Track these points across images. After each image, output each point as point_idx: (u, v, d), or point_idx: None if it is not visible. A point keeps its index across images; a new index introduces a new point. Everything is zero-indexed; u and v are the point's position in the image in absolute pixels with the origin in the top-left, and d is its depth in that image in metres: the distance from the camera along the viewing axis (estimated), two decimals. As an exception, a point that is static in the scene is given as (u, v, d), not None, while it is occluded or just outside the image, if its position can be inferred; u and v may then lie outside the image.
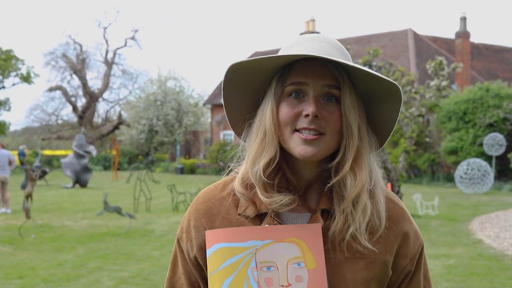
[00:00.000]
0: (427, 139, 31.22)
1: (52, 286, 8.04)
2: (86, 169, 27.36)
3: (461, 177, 24.49)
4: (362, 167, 1.54)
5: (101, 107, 72.16)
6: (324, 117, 1.52)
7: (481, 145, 27.63)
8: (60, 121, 59.35)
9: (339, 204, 1.54)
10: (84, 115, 54.66)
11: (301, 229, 1.47)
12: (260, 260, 1.44)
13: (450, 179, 29.08)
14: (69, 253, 10.57)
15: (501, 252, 11.01)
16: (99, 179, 32.51)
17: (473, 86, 30.08)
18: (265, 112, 1.58)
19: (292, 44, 1.62)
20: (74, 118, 57.67)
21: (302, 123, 1.52)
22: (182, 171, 40.93)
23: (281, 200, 1.54)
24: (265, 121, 1.57)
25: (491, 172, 24.40)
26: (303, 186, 1.61)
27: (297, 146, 1.52)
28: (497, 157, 27.52)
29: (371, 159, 1.60)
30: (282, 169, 1.60)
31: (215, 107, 47.70)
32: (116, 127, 53.44)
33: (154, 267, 9.34)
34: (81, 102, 57.84)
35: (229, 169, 1.78)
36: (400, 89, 1.51)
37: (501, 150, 26.57)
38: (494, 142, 26.58)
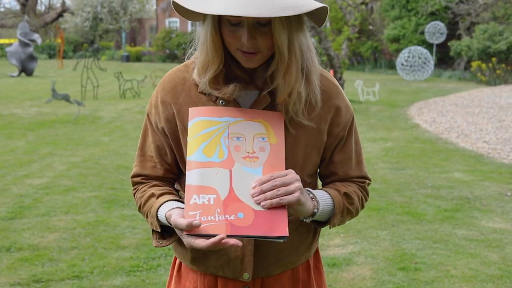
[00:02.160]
0: (370, 27, 31.52)
1: (5, 171, 8.32)
2: (32, 58, 27.01)
3: (402, 64, 25.07)
4: (292, 75, 1.78)
5: (44, -6, 69.92)
6: (259, 39, 1.73)
7: (422, 33, 28.10)
8: (2, 9, 57.58)
9: (277, 96, 1.83)
10: (27, 2, 53.01)
11: (268, 114, 1.81)
12: (232, 132, 1.76)
13: (392, 66, 29.68)
14: (20, 139, 10.84)
15: (436, 136, 11.67)
16: (45, 68, 32.12)
17: (416, -26, 30.24)
18: (207, 33, 1.78)
19: None
20: (16, 6, 55.93)
21: (242, 46, 1.74)
22: (128, 58, 40.63)
23: (227, 92, 1.82)
24: (207, 42, 1.78)
25: (432, 60, 25.02)
26: (250, 71, 1.87)
27: (240, 59, 1.79)
28: (437, 45, 28.06)
29: (306, 42, 1.82)
30: (228, 65, 1.85)
31: (160, -7, 46.93)
32: (60, 15, 52.12)
33: (104, 152, 9.71)
34: (23, -11, 56.01)
35: (187, 55, 2.03)
36: (328, 9, 1.73)
37: (442, 38, 27.09)
38: (435, 30, 27.05)
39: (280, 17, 1.70)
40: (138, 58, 41.79)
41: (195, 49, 1.95)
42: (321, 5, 1.68)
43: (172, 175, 2.02)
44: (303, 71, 1.84)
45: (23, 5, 52.30)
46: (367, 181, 2.06)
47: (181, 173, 2.01)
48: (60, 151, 9.76)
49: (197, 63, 1.87)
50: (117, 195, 7.12)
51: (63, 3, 52.20)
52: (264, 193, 1.70)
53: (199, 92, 1.89)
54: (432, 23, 27.29)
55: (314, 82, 1.87)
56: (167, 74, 2.02)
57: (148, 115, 2.01)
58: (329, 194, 1.90)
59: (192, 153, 1.75)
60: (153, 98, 1.99)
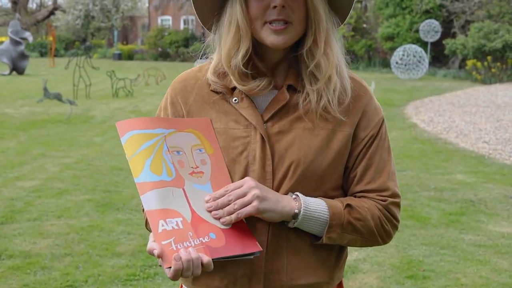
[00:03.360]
0: (364, 25, 31.40)
1: (-3, 172, 8.13)
2: (23, 56, 26.77)
3: (396, 62, 24.89)
4: (333, 49, 1.68)
5: (35, -8, 69.63)
6: (291, 6, 1.60)
7: (417, 31, 27.96)
8: (-8, 7, 57.29)
9: (312, 84, 1.68)
10: (18, 0, 52.78)
11: (195, 122, 1.69)
12: (170, 145, 1.62)
13: (386, 64, 29.51)
14: (11, 140, 10.62)
15: (435, 136, 11.49)
16: (36, 66, 31.90)
17: (411, -28, 30.12)
18: (235, 8, 1.65)
19: None
20: (7, 4, 55.64)
21: (271, 15, 1.60)
22: (120, 57, 40.48)
23: (258, 86, 1.67)
24: (237, 17, 1.64)
25: (426, 58, 24.84)
26: (270, 68, 1.73)
27: (269, 36, 1.63)
28: (432, 44, 27.93)
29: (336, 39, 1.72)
30: (252, 58, 1.70)
31: (153, -9, 46.76)
32: (52, 13, 51.93)
33: (97, 153, 9.50)
34: (14, -14, 55.76)
35: (202, 55, 1.87)
36: None
37: (437, 37, 26.97)
38: (430, 29, 26.92)
39: None
40: (130, 56, 41.63)
41: (206, 57, 1.83)
42: None
43: None
44: (338, 58, 1.73)
45: (15, 3, 52.03)
46: (389, 199, 1.73)
47: None
48: (53, 152, 9.55)
49: (221, 51, 1.71)
50: (111, 198, 6.92)
51: (55, 1, 52.04)
52: (220, 208, 1.56)
53: (211, 90, 1.75)
54: (427, 21, 27.15)
55: (345, 74, 1.74)
56: (180, 74, 1.88)
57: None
58: (325, 202, 1.65)
59: (139, 173, 1.57)
60: (163, 101, 1.84)
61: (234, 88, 1.72)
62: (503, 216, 6.39)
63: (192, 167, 1.61)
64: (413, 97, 18.16)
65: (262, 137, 1.65)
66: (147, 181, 1.55)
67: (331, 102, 1.67)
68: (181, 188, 1.57)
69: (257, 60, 1.71)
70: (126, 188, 7.36)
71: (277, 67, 1.74)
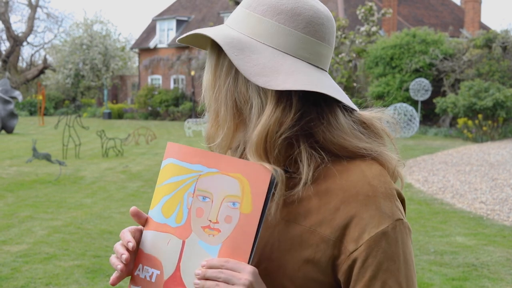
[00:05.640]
0: (355, 84, 31.56)
1: (-17, 236, 7.88)
2: (12, 115, 26.67)
3: (387, 121, 24.90)
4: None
5: (26, 51, 70.47)
6: None
7: (407, 90, 28.09)
8: (-18, 66, 57.57)
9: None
10: (8, 59, 53.02)
11: (251, 167, 1.31)
12: (200, 188, 1.35)
13: (376, 123, 29.58)
14: (-1, 201, 10.39)
15: (430, 196, 11.33)
16: (26, 125, 31.78)
17: (400, 32, 30.42)
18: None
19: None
20: (-3, 62, 56.02)
21: None
22: (109, 116, 40.49)
23: None
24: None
25: (417, 117, 24.91)
26: None
27: None
28: (422, 102, 28.05)
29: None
30: None
31: (143, 51, 47.12)
32: (42, 72, 52.21)
33: (86, 215, 9.26)
34: (4, 46, 56.30)
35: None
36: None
37: (427, 95, 27.08)
38: (420, 87, 27.05)
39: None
40: (120, 115, 41.66)
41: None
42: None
43: None
44: None
45: (4, 62, 52.27)
46: None
47: None
48: (41, 214, 9.30)
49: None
50: (101, 264, 6.66)
51: (45, 60, 52.26)
52: (205, 280, 1.27)
53: None
54: (417, 80, 27.29)
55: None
56: None
57: None
58: None
59: (153, 207, 1.41)
60: None
61: None
62: (508, 280, 6.18)
63: (209, 220, 1.33)
64: (405, 156, 18.06)
65: None
66: (153, 219, 1.40)
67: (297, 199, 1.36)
68: (182, 239, 1.35)
69: None
70: (117, 253, 7.10)
71: None
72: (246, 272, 1.26)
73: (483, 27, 42.43)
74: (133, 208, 1.40)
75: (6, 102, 26.25)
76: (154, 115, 40.71)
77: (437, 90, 28.22)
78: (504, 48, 27.06)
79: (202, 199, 1.34)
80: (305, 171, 1.33)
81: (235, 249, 1.29)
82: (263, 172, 1.29)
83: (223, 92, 1.39)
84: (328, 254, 1.31)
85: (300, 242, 1.33)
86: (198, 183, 1.35)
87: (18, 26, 59.74)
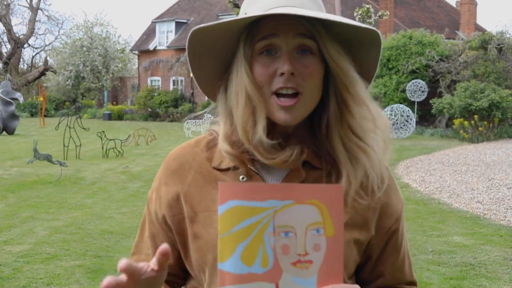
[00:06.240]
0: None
1: (-15, 236, 7.94)
2: (13, 116, 26.73)
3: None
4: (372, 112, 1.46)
5: (27, 54, 70.44)
6: (301, 73, 1.40)
7: (404, 91, 28.12)
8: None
9: (335, 163, 1.47)
10: (9, 61, 53.10)
11: (323, 189, 1.26)
12: (279, 224, 1.23)
13: (374, 124, 29.60)
14: (0, 202, 10.45)
15: (428, 196, 11.39)
16: (27, 126, 31.82)
17: (396, 34, 30.46)
18: (241, 76, 1.43)
19: None
20: (-1, 64, 56.11)
21: (278, 82, 1.39)
22: (110, 117, 40.57)
23: (291, 156, 1.44)
24: (245, 85, 1.42)
25: (414, 118, 24.95)
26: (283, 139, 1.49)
27: (276, 112, 1.42)
28: (419, 103, 28.04)
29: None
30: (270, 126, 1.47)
31: (142, 53, 47.20)
32: (42, 74, 52.32)
33: (87, 216, 9.33)
34: (6, 48, 56.36)
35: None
36: (380, 34, 1.44)
37: (423, 96, 27.11)
38: (417, 88, 27.10)
39: (332, 41, 1.42)
40: (120, 117, 41.74)
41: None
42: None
43: (175, 278, 1.61)
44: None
45: (6, 64, 52.34)
46: (415, 287, 1.65)
47: (188, 275, 1.61)
48: (42, 215, 9.37)
49: (237, 125, 1.46)
50: (102, 264, 6.74)
51: (46, 62, 52.37)
52: None
53: (213, 167, 1.52)
54: (413, 81, 27.35)
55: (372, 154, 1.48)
56: (172, 150, 1.63)
57: (148, 202, 1.62)
58: None
59: (226, 259, 1.22)
60: (155, 181, 1.62)
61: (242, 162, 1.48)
62: (505, 280, 6.26)
63: (299, 254, 1.23)
64: (402, 156, 18.10)
65: None
66: (232, 272, 1.22)
67: (349, 192, 1.44)
68: (274, 283, 1.24)
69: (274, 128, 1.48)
70: (118, 253, 7.19)
71: (290, 138, 1.49)
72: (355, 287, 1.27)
73: (479, 28, 42.43)
74: (123, 263, 1.18)
75: (8, 103, 26.30)
76: (153, 116, 40.77)
77: (434, 91, 28.24)
78: (500, 50, 27.10)
79: (285, 235, 1.23)
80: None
81: (330, 274, 1.25)
82: (335, 191, 1.25)
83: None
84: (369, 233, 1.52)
85: (347, 227, 1.46)
86: (276, 219, 1.23)
87: (19, 28, 60.04)
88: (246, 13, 1.48)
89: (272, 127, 1.46)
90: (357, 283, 1.57)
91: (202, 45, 1.47)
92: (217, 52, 1.49)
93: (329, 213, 1.23)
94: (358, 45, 1.46)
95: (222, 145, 1.48)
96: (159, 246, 1.31)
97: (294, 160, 1.44)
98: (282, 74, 1.38)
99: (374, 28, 1.40)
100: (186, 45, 1.46)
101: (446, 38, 31.00)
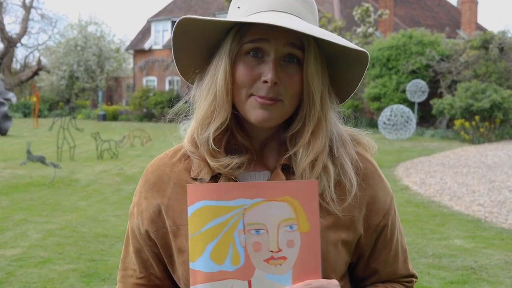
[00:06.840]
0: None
1: (-23, 239, 7.80)
2: (6, 117, 26.52)
3: (384, 123, 24.79)
4: (319, 137, 1.44)
5: (20, 53, 70.29)
6: (284, 82, 1.39)
7: (403, 91, 28.01)
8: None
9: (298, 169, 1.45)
10: (2, 61, 52.86)
11: (296, 186, 1.28)
12: (249, 222, 1.26)
13: (373, 125, 29.48)
14: (-7, 204, 10.30)
15: (428, 199, 11.25)
16: (20, 127, 31.65)
17: (396, 33, 30.36)
18: (218, 71, 1.42)
19: None
20: (-9, 64, 55.93)
21: (260, 90, 1.39)
22: (104, 117, 40.39)
23: (229, 164, 1.43)
24: (217, 82, 1.42)
25: (414, 118, 24.83)
26: (258, 146, 1.51)
27: (253, 110, 1.40)
28: (419, 104, 27.97)
29: (331, 120, 1.51)
30: (231, 131, 1.47)
31: (138, 52, 47.04)
32: (36, 73, 52.07)
33: (81, 218, 9.17)
34: (-2, 47, 56.13)
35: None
36: (369, 55, 1.43)
37: (423, 97, 26.99)
38: (417, 89, 26.97)
39: (315, 59, 1.41)
40: (114, 117, 41.57)
41: (186, 116, 1.61)
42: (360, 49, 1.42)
43: None
44: (331, 141, 1.51)
45: (-1, 63, 52.08)
46: (414, 279, 1.64)
47: (177, 287, 1.58)
48: (35, 218, 9.21)
49: (196, 119, 1.49)
50: (96, 268, 6.60)
51: (39, 62, 52.16)
52: None
53: (193, 178, 1.49)
54: (413, 81, 27.21)
55: (344, 159, 1.50)
56: (151, 162, 1.61)
57: (130, 217, 1.60)
58: None
59: (197, 259, 1.26)
60: (136, 194, 1.59)
61: (217, 175, 1.48)
62: (507, 284, 6.13)
63: (271, 251, 1.26)
64: (402, 158, 17.99)
65: None
66: (202, 271, 1.25)
67: (323, 195, 1.44)
68: (246, 280, 1.26)
69: (238, 134, 1.48)
70: (112, 256, 7.04)
71: (266, 145, 1.52)
72: (333, 286, 1.29)
73: (480, 28, 42.48)
74: None
75: (0, 104, 26.13)
76: (149, 116, 40.61)
77: (434, 92, 28.17)
78: (501, 49, 26.99)
79: (256, 232, 1.26)
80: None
81: (306, 269, 1.27)
82: (309, 186, 1.28)
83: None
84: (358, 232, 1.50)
85: (334, 228, 1.45)
86: (245, 217, 1.26)
87: (12, 27, 59.89)
88: (239, 7, 1.47)
89: (250, 132, 1.49)
90: (352, 280, 1.60)
91: (188, 34, 1.46)
92: (203, 42, 1.49)
93: (302, 209, 1.26)
94: (346, 60, 1.48)
95: (186, 145, 1.51)
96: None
97: (235, 167, 1.44)
98: (265, 82, 1.38)
99: (364, 50, 1.40)
100: (173, 29, 1.46)
101: (446, 38, 30.94)
